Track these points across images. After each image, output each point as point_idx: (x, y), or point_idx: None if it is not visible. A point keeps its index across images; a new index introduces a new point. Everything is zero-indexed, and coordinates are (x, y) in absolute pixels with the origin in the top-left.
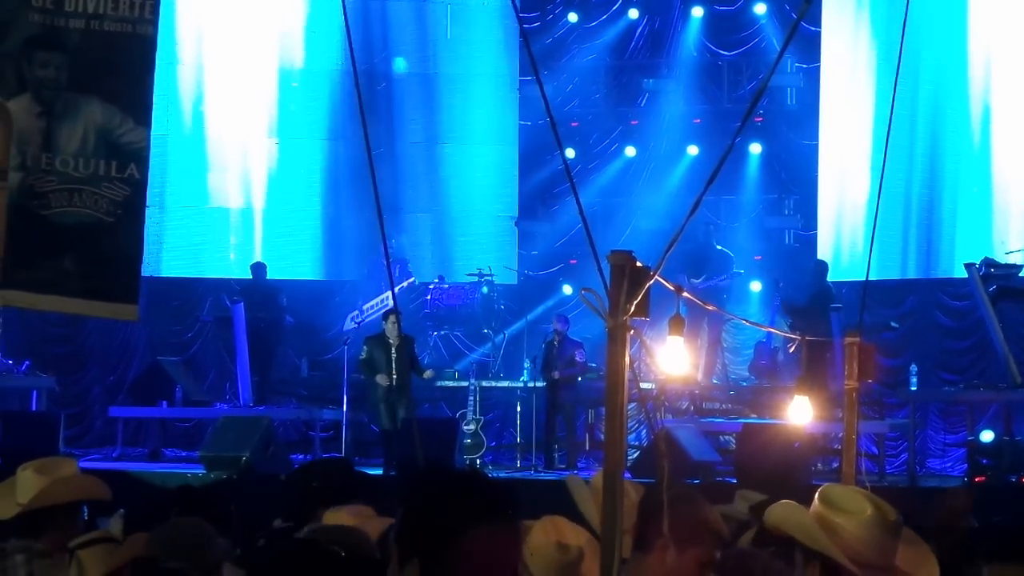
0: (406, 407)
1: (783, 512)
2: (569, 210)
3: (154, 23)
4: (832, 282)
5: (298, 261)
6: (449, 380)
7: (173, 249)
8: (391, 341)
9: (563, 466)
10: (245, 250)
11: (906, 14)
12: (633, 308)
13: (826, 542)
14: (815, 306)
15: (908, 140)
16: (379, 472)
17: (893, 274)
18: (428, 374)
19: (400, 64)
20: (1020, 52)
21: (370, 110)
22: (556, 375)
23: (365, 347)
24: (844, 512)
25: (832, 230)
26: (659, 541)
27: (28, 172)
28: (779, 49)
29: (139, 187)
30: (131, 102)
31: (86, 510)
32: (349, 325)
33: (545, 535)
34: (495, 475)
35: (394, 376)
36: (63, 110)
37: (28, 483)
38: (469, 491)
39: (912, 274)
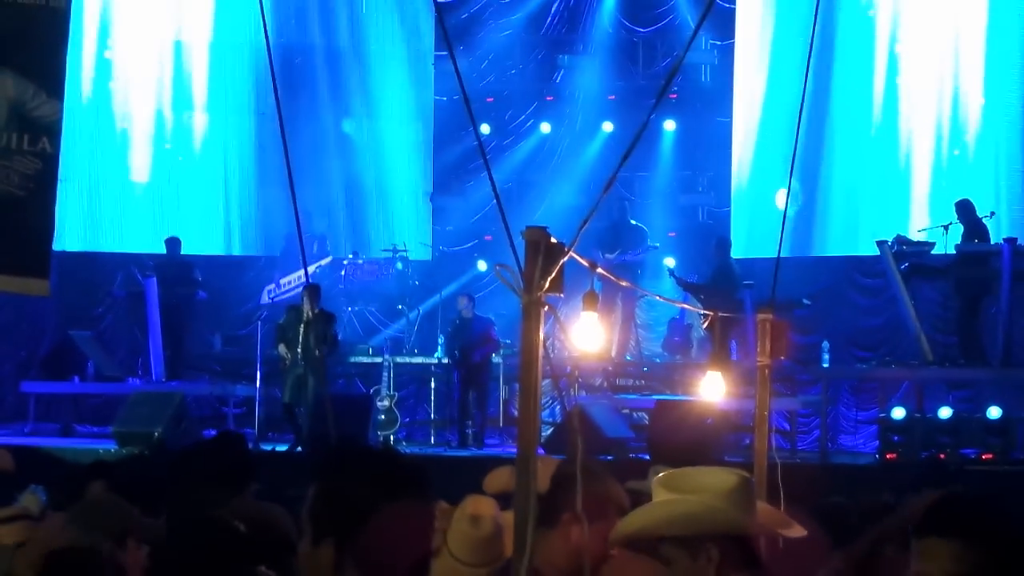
0: (315, 382)
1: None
2: (484, 186)
3: None
4: (745, 259)
5: (214, 236)
6: (363, 356)
7: (86, 223)
8: (305, 316)
9: (475, 444)
10: (160, 224)
11: None
12: (548, 284)
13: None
14: (718, 283)
15: (822, 118)
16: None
17: (806, 251)
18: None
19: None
20: (927, 33)
21: (285, 85)
22: (477, 357)
23: (285, 315)
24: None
25: (745, 207)
26: (565, 516)
27: None
28: (694, 26)
29: (51, 161)
30: (44, 75)
31: None
32: (265, 300)
33: (461, 510)
34: (408, 451)
35: (299, 351)
36: None
37: None
38: (382, 468)
39: (826, 251)
